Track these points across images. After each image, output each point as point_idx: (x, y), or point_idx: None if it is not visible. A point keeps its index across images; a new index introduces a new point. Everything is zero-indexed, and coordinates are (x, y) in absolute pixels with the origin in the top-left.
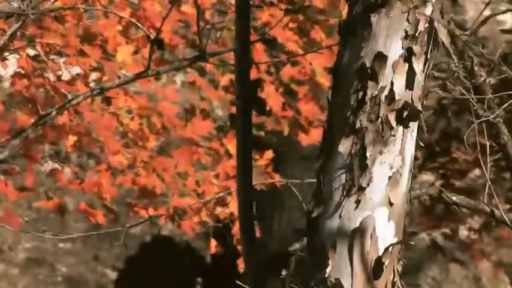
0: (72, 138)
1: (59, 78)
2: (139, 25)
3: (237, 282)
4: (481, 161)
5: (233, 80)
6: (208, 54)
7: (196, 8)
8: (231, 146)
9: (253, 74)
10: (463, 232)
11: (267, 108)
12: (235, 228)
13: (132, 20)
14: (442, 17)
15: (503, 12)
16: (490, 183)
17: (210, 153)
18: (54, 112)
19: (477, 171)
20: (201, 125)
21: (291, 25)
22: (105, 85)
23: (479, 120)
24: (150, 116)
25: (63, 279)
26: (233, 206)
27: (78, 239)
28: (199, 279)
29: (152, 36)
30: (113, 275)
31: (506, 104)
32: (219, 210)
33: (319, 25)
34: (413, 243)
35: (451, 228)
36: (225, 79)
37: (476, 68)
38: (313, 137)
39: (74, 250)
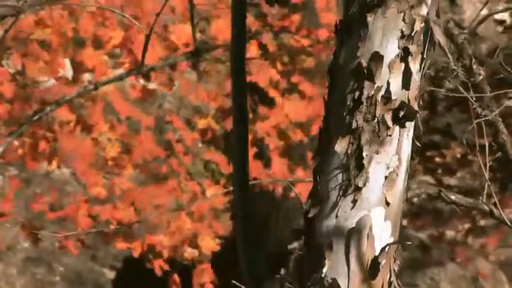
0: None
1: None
2: (134, 21)
3: (233, 282)
4: (480, 161)
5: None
6: (203, 50)
7: (190, 5)
8: (211, 190)
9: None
10: (461, 232)
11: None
12: (197, 271)
13: (127, 16)
14: (438, 17)
15: (501, 11)
16: (489, 182)
17: (187, 191)
18: (49, 109)
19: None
20: (180, 160)
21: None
22: (99, 82)
23: (477, 120)
24: (129, 144)
25: (61, 278)
26: (204, 246)
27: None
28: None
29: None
30: (110, 274)
31: (503, 106)
32: (188, 251)
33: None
34: (409, 243)
35: (449, 228)
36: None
37: (474, 67)
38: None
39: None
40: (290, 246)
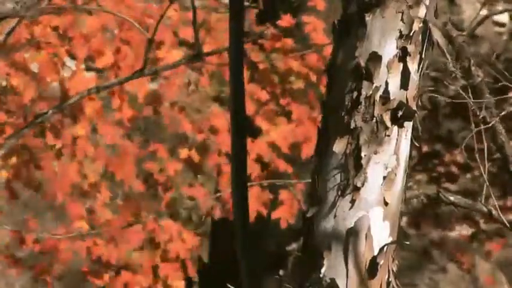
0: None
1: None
2: (136, 24)
3: (229, 285)
4: (479, 162)
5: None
6: (204, 54)
7: (193, 9)
8: (187, 234)
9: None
10: (460, 232)
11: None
12: None
13: (129, 19)
14: (437, 17)
15: (500, 12)
16: (487, 183)
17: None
18: (51, 111)
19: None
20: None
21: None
22: (102, 85)
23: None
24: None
25: (59, 278)
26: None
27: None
28: (196, 279)
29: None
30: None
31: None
32: None
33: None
34: (408, 243)
35: (448, 228)
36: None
37: (473, 69)
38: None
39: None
40: (289, 248)
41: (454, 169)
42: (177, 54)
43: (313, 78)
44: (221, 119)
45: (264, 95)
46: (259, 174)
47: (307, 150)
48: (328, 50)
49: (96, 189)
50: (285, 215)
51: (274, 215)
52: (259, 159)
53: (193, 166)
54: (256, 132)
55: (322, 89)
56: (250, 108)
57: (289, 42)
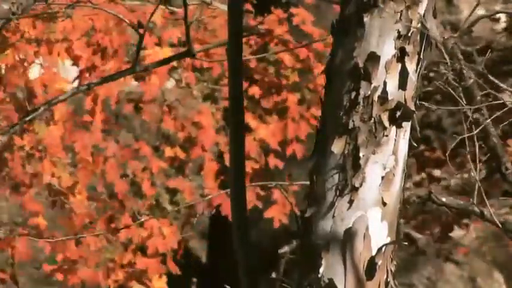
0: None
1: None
2: (127, 21)
3: (226, 286)
4: (471, 164)
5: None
6: (196, 50)
7: (184, 4)
8: (167, 229)
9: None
10: (458, 232)
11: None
12: None
13: (120, 16)
14: (435, 17)
15: (496, 13)
16: (479, 183)
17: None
18: (42, 108)
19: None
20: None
21: None
22: (92, 82)
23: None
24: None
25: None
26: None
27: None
28: (195, 280)
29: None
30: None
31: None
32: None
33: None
34: (406, 243)
35: (446, 228)
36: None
37: (465, 71)
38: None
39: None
40: (281, 250)
41: (441, 154)
42: (163, 52)
43: (306, 71)
44: (207, 115)
45: (256, 91)
46: (251, 170)
47: (298, 147)
48: (319, 44)
49: (71, 190)
50: (277, 214)
51: (267, 214)
52: (248, 156)
53: (178, 164)
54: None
55: (317, 83)
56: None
57: (282, 35)
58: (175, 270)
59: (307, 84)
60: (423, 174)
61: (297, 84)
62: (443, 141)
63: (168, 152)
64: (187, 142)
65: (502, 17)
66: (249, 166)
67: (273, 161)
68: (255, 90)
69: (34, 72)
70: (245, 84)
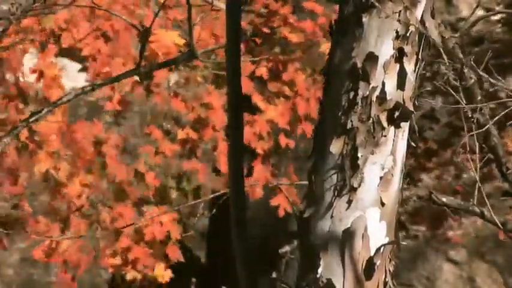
0: None
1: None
2: (129, 21)
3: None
4: (471, 164)
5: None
6: (199, 52)
7: (188, 7)
8: (165, 216)
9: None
10: (457, 232)
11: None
12: None
13: (123, 16)
14: (433, 17)
15: (496, 13)
16: (479, 183)
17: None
18: (46, 110)
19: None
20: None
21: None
22: (96, 83)
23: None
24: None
25: (57, 279)
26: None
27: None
28: (194, 280)
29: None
30: (106, 275)
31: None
32: (131, 273)
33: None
34: (405, 243)
35: (445, 227)
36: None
37: (466, 70)
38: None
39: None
40: (281, 250)
41: (433, 145)
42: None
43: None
44: (216, 96)
45: (264, 72)
46: (260, 150)
47: (308, 126)
48: (322, 19)
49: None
50: (283, 203)
51: (273, 202)
52: (258, 134)
53: (190, 146)
54: (254, 109)
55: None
56: (249, 87)
57: (287, 10)
58: (174, 256)
59: (313, 61)
60: (413, 162)
61: (304, 61)
62: (435, 131)
63: (181, 134)
64: (198, 123)
65: (497, 8)
66: (260, 147)
67: (284, 141)
68: (262, 71)
69: (28, 64)
70: (252, 66)
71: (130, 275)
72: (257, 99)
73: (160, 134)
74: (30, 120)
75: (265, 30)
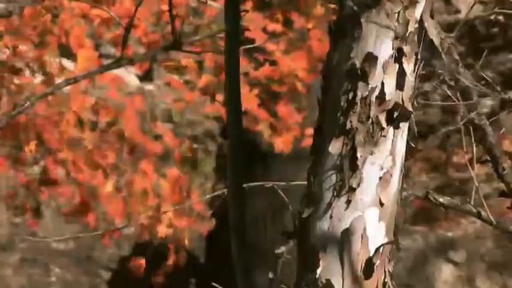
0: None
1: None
2: (112, 14)
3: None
4: (468, 164)
5: (212, 81)
6: (181, 42)
7: None
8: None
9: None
10: (456, 231)
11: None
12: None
13: (105, 9)
14: (432, 17)
15: (493, 13)
16: (477, 184)
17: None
18: (28, 103)
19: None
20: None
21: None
22: (80, 75)
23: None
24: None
25: (56, 279)
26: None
27: (71, 240)
28: (193, 280)
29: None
30: (106, 275)
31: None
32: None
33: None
34: (404, 243)
35: (444, 228)
36: (202, 81)
37: (461, 70)
38: (288, 140)
39: (68, 251)
40: (277, 251)
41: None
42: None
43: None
44: None
45: (278, 27)
46: (283, 90)
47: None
48: None
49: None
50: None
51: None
52: (279, 75)
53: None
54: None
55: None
56: (260, 39)
57: None
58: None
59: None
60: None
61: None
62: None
63: (202, 81)
64: (217, 69)
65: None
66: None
67: (300, 86)
68: (275, 27)
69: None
70: (265, 22)
71: (161, 232)
72: (272, 48)
73: (181, 83)
74: (14, 112)
75: None
